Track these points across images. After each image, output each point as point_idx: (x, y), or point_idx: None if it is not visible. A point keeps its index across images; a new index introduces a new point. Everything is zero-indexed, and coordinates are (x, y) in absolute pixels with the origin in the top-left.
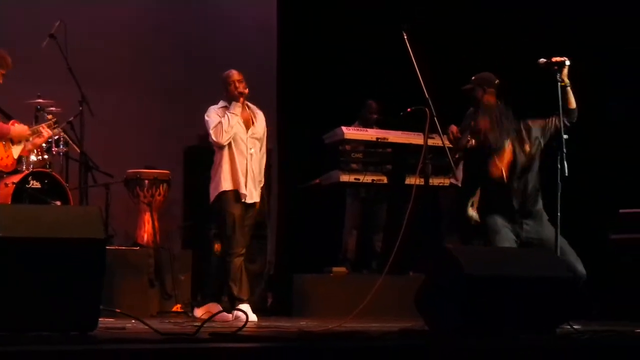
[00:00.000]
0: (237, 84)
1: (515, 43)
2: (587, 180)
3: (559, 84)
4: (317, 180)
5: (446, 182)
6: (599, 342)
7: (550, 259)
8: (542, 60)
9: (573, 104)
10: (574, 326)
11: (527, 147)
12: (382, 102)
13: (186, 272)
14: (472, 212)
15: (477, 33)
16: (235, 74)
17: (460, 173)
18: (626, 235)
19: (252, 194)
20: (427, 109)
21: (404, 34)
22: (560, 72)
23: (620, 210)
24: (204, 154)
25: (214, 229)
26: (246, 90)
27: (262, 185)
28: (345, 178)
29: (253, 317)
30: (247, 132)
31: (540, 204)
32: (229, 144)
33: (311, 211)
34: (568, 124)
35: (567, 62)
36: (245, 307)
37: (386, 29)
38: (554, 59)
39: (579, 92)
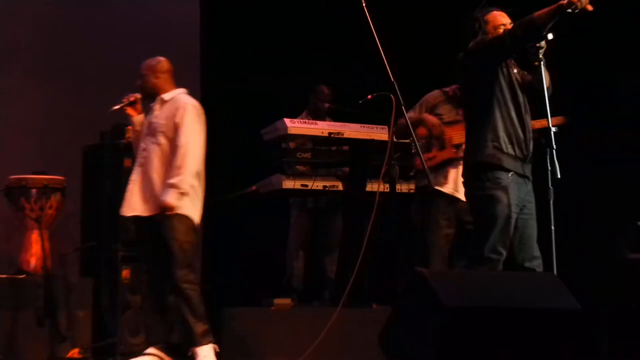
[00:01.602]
0: None
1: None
2: (589, 183)
3: (536, 62)
4: (254, 188)
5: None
6: None
7: (552, 284)
8: None
9: (548, 80)
10: None
11: None
12: (336, 87)
13: (85, 307)
14: None
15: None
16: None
17: (440, 178)
18: None
19: (136, 206)
20: (392, 96)
21: (363, 2)
22: (540, 47)
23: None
24: (107, 156)
25: (122, 251)
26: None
27: (172, 189)
28: (289, 184)
29: None
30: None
31: None
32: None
33: (246, 227)
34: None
35: (549, 37)
36: (208, 350)
37: None
38: None
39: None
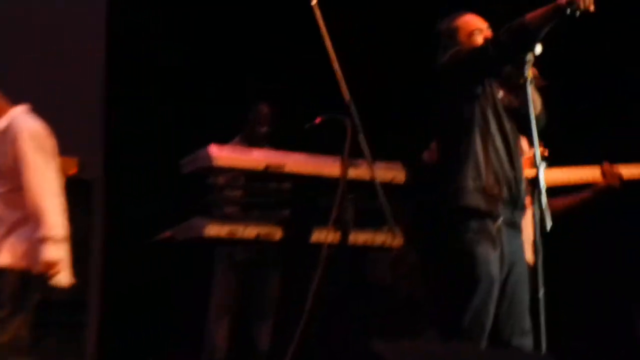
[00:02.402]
0: None
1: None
2: (590, 235)
3: (522, 80)
4: (168, 233)
5: (379, 239)
6: None
7: None
8: None
9: (539, 107)
10: None
11: None
12: (278, 106)
13: None
14: None
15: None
16: None
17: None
18: None
19: None
20: (347, 119)
21: (315, 4)
22: (525, 63)
23: None
24: None
25: None
26: None
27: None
28: (213, 231)
29: None
30: None
31: None
32: None
33: (157, 284)
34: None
35: (538, 50)
36: None
37: None
38: None
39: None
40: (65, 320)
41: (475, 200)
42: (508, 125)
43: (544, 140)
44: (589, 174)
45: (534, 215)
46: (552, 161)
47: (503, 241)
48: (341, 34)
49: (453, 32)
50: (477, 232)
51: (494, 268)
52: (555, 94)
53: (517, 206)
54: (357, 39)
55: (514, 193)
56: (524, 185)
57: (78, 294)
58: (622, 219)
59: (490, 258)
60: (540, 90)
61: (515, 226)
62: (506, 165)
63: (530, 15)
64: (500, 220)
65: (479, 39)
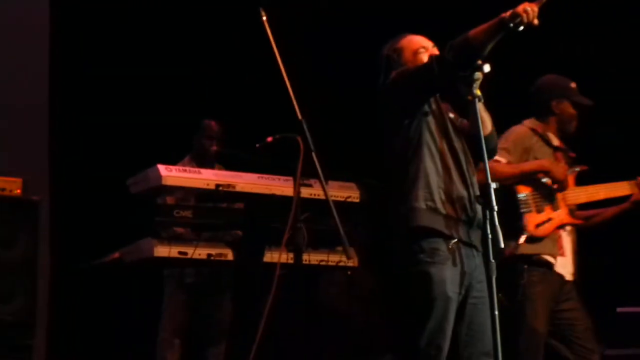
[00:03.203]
0: None
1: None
2: None
3: (470, 97)
4: (116, 255)
5: (333, 260)
6: None
7: None
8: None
9: (489, 127)
10: None
11: None
12: (228, 123)
13: None
14: None
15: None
16: None
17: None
18: None
19: None
20: (299, 138)
21: (263, 15)
22: (474, 81)
23: (619, 309)
24: None
25: None
26: None
27: None
28: (162, 252)
29: None
30: None
31: None
32: None
33: (104, 307)
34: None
35: (486, 68)
36: None
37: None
38: None
39: None
40: (11, 343)
41: (428, 220)
42: (458, 144)
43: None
44: (623, 188)
45: (572, 233)
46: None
47: (461, 262)
48: (292, 50)
49: (398, 53)
50: (432, 253)
51: (450, 288)
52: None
53: (472, 225)
54: (309, 55)
55: (468, 212)
56: (477, 206)
57: (25, 315)
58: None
59: (446, 278)
60: (585, 109)
61: (471, 246)
62: (458, 184)
63: (473, 31)
64: (455, 240)
65: (424, 57)
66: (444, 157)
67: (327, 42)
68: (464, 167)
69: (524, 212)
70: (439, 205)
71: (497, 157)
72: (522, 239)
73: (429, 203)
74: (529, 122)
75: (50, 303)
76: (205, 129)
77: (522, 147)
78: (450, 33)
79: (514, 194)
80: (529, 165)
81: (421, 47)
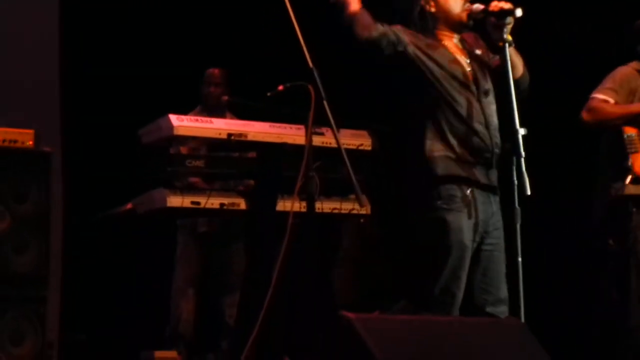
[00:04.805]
0: None
1: None
2: (568, 200)
3: (500, 42)
4: (129, 205)
5: (346, 208)
6: None
7: (519, 336)
8: (477, 6)
9: (520, 69)
10: None
11: None
12: (237, 72)
13: None
14: None
15: None
16: None
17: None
18: None
19: None
20: (311, 86)
21: None
22: (504, 25)
23: None
24: None
25: None
26: None
27: None
28: (175, 201)
29: None
30: None
31: None
32: None
33: (119, 257)
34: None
35: (518, 13)
36: None
37: None
38: (496, 6)
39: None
40: (25, 294)
41: (446, 167)
42: (481, 82)
43: None
44: None
45: None
46: None
47: (478, 208)
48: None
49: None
50: (448, 200)
51: (467, 236)
52: None
53: (491, 166)
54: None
55: (486, 155)
56: (498, 143)
57: (38, 267)
58: None
59: (463, 225)
60: None
61: (490, 189)
62: (477, 125)
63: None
64: (472, 187)
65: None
66: (459, 102)
67: None
68: (483, 106)
69: (630, 153)
70: (456, 151)
71: (605, 97)
72: (629, 179)
73: (445, 150)
74: (635, 64)
75: (63, 255)
76: (208, 76)
77: (629, 88)
78: None
79: (620, 134)
80: (637, 107)
81: None
